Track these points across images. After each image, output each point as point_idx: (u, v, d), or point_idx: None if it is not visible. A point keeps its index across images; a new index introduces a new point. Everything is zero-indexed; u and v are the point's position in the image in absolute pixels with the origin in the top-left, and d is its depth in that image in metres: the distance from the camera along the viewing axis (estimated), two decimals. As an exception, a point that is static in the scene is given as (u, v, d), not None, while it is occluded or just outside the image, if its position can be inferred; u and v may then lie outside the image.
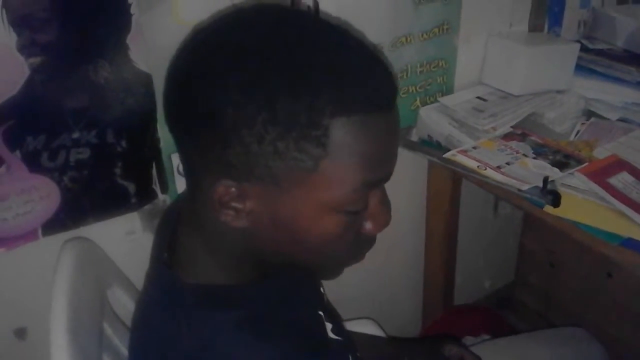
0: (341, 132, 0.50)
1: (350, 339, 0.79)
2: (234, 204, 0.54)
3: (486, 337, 1.40)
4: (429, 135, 1.23)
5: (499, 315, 1.66)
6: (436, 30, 1.18)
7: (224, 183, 0.53)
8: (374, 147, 0.53)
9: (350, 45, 0.54)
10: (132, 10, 0.81)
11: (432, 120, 1.22)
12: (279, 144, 0.49)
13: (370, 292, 1.49)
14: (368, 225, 0.59)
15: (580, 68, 1.30)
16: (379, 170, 0.55)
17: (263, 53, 0.50)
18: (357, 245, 0.61)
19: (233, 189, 0.53)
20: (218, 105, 0.50)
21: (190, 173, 0.58)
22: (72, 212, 0.88)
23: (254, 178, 0.52)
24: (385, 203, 0.60)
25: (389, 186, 0.56)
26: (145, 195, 0.95)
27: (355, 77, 0.51)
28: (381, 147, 0.54)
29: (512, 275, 1.85)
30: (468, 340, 1.37)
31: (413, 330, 1.63)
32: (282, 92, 0.49)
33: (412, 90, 1.22)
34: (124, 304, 0.84)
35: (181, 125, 0.55)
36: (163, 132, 0.91)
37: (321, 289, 0.82)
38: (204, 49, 0.54)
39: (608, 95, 1.25)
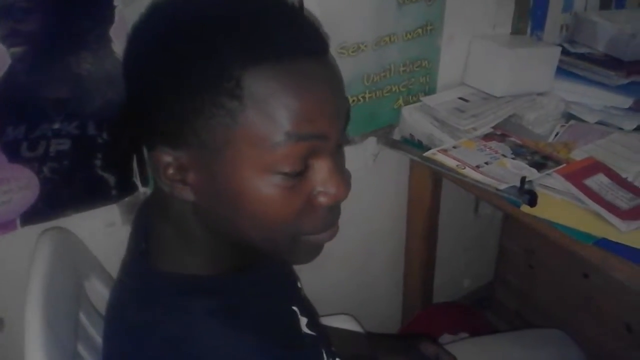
0: (254, 83, 0.49)
1: (325, 333, 0.79)
2: (178, 176, 0.55)
3: (464, 334, 1.41)
4: (411, 134, 1.24)
5: (478, 313, 1.67)
6: (419, 30, 1.19)
7: (161, 149, 0.54)
8: (295, 97, 0.51)
9: (265, 1, 0.55)
10: (116, 2, 0.81)
11: (414, 119, 1.23)
12: (196, 100, 0.50)
13: (351, 290, 1.50)
14: (320, 197, 0.56)
15: (561, 71, 1.32)
16: (306, 125, 0.52)
17: (177, 16, 0.53)
18: (313, 218, 0.57)
19: (171, 158, 0.54)
20: (143, 69, 0.53)
21: (148, 157, 0.62)
22: (52, 203, 0.88)
23: (186, 144, 0.53)
24: (337, 172, 0.57)
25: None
26: (125, 187, 0.95)
27: (265, 26, 0.51)
28: (306, 99, 0.51)
29: (491, 275, 1.87)
30: (446, 337, 1.39)
31: (393, 328, 1.65)
32: (189, 47, 0.50)
33: (395, 90, 1.23)
34: (102, 295, 0.84)
35: (126, 101, 0.58)
36: (144, 125, 0.91)
37: (297, 284, 0.83)
38: (136, 24, 0.57)
39: (587, 98, 1.27)
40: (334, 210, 0.59)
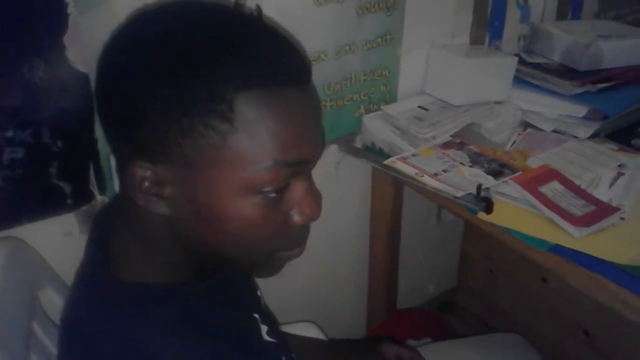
0: (246, 107, 0.50)
1: (285, 341, 0.80)
2: (153, 190, 0.55)
3: (428, 340, 1.43)
4: (372, 142, 1.26)
5: (441, 318, 1.69)
6: (379, 40, 1.21)
7: (139, 164, 0.53)
8: (284, 124, 0.52)
9: (254, 25, 0.55)
10: (69, 10, 0.80)
11: (375, 127, 1.24)
12: (185, 120, 0.50)
13: (314, 297, 1.50)
14: (295, 216, 0.59)
15: (518, 80, 1.35)
16: (292, 151, 0.54)
17: (166, 35, 0.52)
18: (287, 236, 0.60)
19: (149, 172, 0.54)
20: (125, 85, 0.52)
21: (117, 165, 0.60)
22: (5, 212, 0.87)
23: (167, 160, 0.53)
24: (311, 193, 0.59)
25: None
26: (82, 196, 0.93)
27: (257, 52, 0.52)
28: (293, 126, 0.53)
29: (454, 280, 1.90)
30: (410, 343, 1.40)
31: (357, 335, 1.65)
32: (183, 67, 0.50)
33: (356, 98, 1.24)
34: (57, 305, 0.83)
35: (101, 112, 0.57)
36: (101, 133, 0.90)
37: (258, 292, 0.83)
38: (115, 38, 0.56)
39: (543, 107, 1.30)
40: (305, 228, 0.61)
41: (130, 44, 0.54)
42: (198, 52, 0.51)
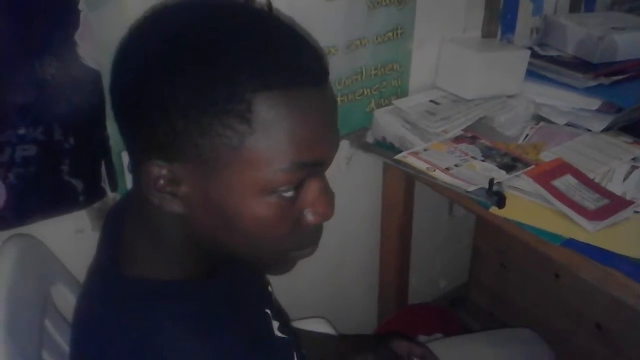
0: (264, 108, 0.50)
1: (297, 337, 0.80)
2: (168, 188, 0.54)
3: (439, 335, 1.43)
4: (383, 137, 1.25)
5: (452, 313, 1.69)
6: (390, 34, 1.20)
7: (155, 163, 0.53)
8: (302, 125, 0.52)
9: (272, 24, 0.56)
10: (80, 7, 0.81)
11: (386, 122, 1.24)
12: (204, 119, 0.50)
13: (326, 293, 1.50)
14: (308, 216, 0.59)
15: (531, 74, 1.34)
16: (309, 152, 0.54)
17: (185, 34, 0.52)
18: (300, 235, 0.59)
19: (165, 171, 0.54)
20: (143, 84, 0.52)
21: (132, 163, 0.59)
22: (18, 210, 0.87)
23: (183, 158, 0.53)
24: (325, 193, 0.59)
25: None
26: (94, 193, 0.94)
27: (276, 52, 0.52)
28: (310, 127, 0.53)
29: (465, 275, 1.89)
30: (421, 338, 1.40)
31: (368, 331, 1.65)
32: (203, 67, 0.50)
33: (367, 93, 1.24)
34: (69, 302, 0.84)
35: (117, 110, 0.56)
36: (112, 130, 0.91)
37: (269, 288, 0.83)
38: (133, 36, 0.56)
39: (557, 100, 1.29)
40: (318, 227, 0.61)
41: (148, 42, 0.54)
42: (217, 51, 0.50)
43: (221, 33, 0.52)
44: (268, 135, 0.51)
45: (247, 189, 0.53)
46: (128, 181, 0.97)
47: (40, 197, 0.89)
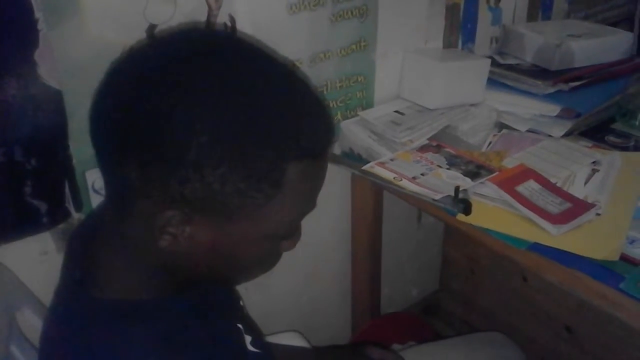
0: (295, 172, 0.54)
1: (270, 351, 0.79)
2: (172, 230, 0.55)
3: (412, 344, 1.43)
4: (350, 148, 1.26)
5: (424, 322, 1.70)
6: (354, 46, 1.21)
7: (171, 213, 0.53)
8: (315, 184, 0.59)
9: (300, 87, 0.58)
10: (40, 26, 0.79)
11: (352, 133, 1.25)
12: (241, 185, 0.52)
13: (298, 304, 1.50)
14: (286, 244, 0.65)
15: (492, 82, 1.36)
16: (313, 203, 0.61)
17: (223, 94, 0.51)
18: (275, 259, 0.66)
19: (178, 218, 0.54)
20: (181, 143, 0.50)
21: (120, 194, 0.57)
22: (-20, 233, 0.85)
23: (204, 212, 0.53)
24: (300, 225, 0.65)
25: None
26: (58, 214, 0.92)
27: (311, 122, 0.56)
28: (319, 184, 0.60)
29: (437, 283, 1.90)
30: (395, 347, 1.40)
31: (342, 342, 1.65)
32: (250, 137, 0.51)
33: (333, 105, 1.24)
34: (36, 326, 0.82)
35: (125, 151, 0.53)
36: (75, 149, 0.89)
37: (240, 302, 0.83)
38: (156, 80, 0.52)
39: (518, 107, 1.31)
40: None
41: (178, 99, 0.51)
42: (262, 118, 0.52)
43: (262, 96, 0.53)
44: (290, 195, 0.55)
45: (257, 236, 0.58)
46: (94, 201, 0.95)
47: (3, 219, 0.87)
